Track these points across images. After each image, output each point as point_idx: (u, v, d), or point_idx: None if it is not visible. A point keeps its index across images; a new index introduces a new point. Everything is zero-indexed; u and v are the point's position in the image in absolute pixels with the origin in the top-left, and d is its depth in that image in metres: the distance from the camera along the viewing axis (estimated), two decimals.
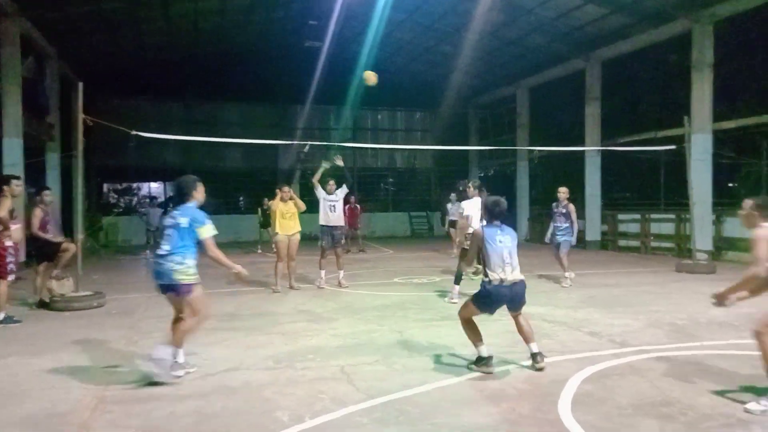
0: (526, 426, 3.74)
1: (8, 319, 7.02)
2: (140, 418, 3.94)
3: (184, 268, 4.68)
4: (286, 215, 9.58)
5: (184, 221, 4.74)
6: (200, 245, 4.77)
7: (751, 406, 3.91)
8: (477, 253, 5.07)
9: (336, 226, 9.93)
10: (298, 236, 9.72)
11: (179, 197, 4.95)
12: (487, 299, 4.88)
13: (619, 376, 4.76)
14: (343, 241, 10.15)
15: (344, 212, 17.02)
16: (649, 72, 17.87)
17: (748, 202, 4.22)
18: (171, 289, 4.73)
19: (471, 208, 8.15)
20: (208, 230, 4.75)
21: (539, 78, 20.31)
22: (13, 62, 12.64)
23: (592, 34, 16.34)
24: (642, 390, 4.41)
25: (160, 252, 4.74)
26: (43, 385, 4.69)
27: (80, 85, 8.60)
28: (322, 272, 10.04)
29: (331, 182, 10.05)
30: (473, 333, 4.97)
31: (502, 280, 4.79)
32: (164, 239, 4.78)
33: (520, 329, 5.03)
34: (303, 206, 9.80)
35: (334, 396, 4.32)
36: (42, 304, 8.12)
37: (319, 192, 9.93)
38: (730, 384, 4.50)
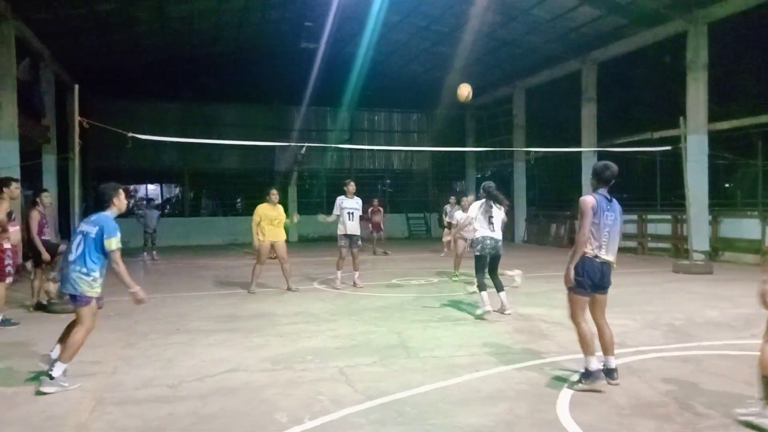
0: (523, 426, 3.75)
1: (6, 322, 7.01)
2: (139, 419, 3.94)
3: (90, 281, 4.59)
4: (273, 222, 9.60)
5: (93, 231, 4.62)
6: (107, 256, 4.63)
7: (739, 410, 3.79)
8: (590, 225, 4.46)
9: (354, 234, 9.93)
10: (282, 241, 9.73)
11: (97, 205, 4.84)
12: (582, 276, 4.51)
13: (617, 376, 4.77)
14: (360, 243, 10.19)
15: (368, 216, 17.01)
16: (645, 73, 17.91)
17: None
18: (71, 297, 4.65)
19: (474, 211, 7.62)
20: (114, 242, 4.61)
21: (535, 79, 20.35)
22: (8, 64, 12.61)
23: (587, 36, 16.39)
24: (640, 390, 4.43)
25: (69, 257, 4.66)
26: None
27: (76, 87, 8.59)
28: (339, 272, 10.09)
29: (351, 183, 10.05)
30: (587, 339, 4.55)
31: (596, 256, 4.50)
32: (72, 245, 4.68)
33: (601, 335, 4.63)
34: (291, 220, 9.89)
35: (332, 397, 4.32)
36: (39, 307, 8.10)
37: (337, 208, 9.88)
38: (728, 384, 4.52)
